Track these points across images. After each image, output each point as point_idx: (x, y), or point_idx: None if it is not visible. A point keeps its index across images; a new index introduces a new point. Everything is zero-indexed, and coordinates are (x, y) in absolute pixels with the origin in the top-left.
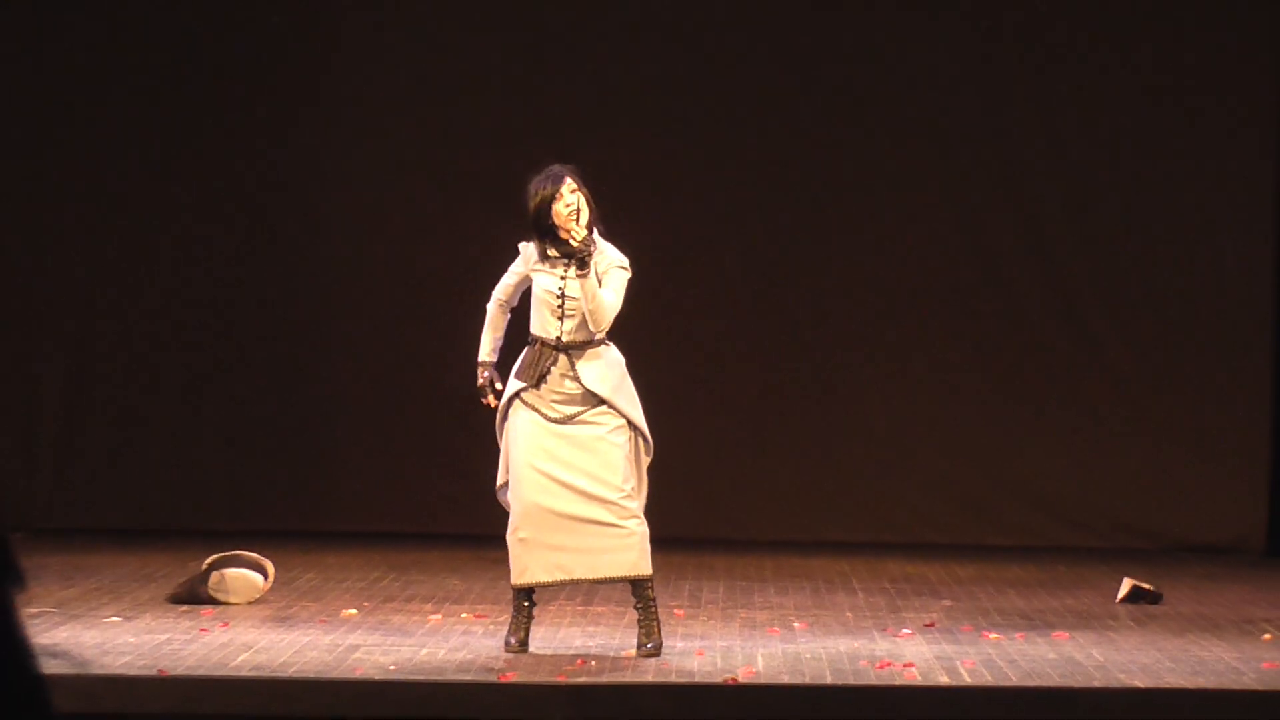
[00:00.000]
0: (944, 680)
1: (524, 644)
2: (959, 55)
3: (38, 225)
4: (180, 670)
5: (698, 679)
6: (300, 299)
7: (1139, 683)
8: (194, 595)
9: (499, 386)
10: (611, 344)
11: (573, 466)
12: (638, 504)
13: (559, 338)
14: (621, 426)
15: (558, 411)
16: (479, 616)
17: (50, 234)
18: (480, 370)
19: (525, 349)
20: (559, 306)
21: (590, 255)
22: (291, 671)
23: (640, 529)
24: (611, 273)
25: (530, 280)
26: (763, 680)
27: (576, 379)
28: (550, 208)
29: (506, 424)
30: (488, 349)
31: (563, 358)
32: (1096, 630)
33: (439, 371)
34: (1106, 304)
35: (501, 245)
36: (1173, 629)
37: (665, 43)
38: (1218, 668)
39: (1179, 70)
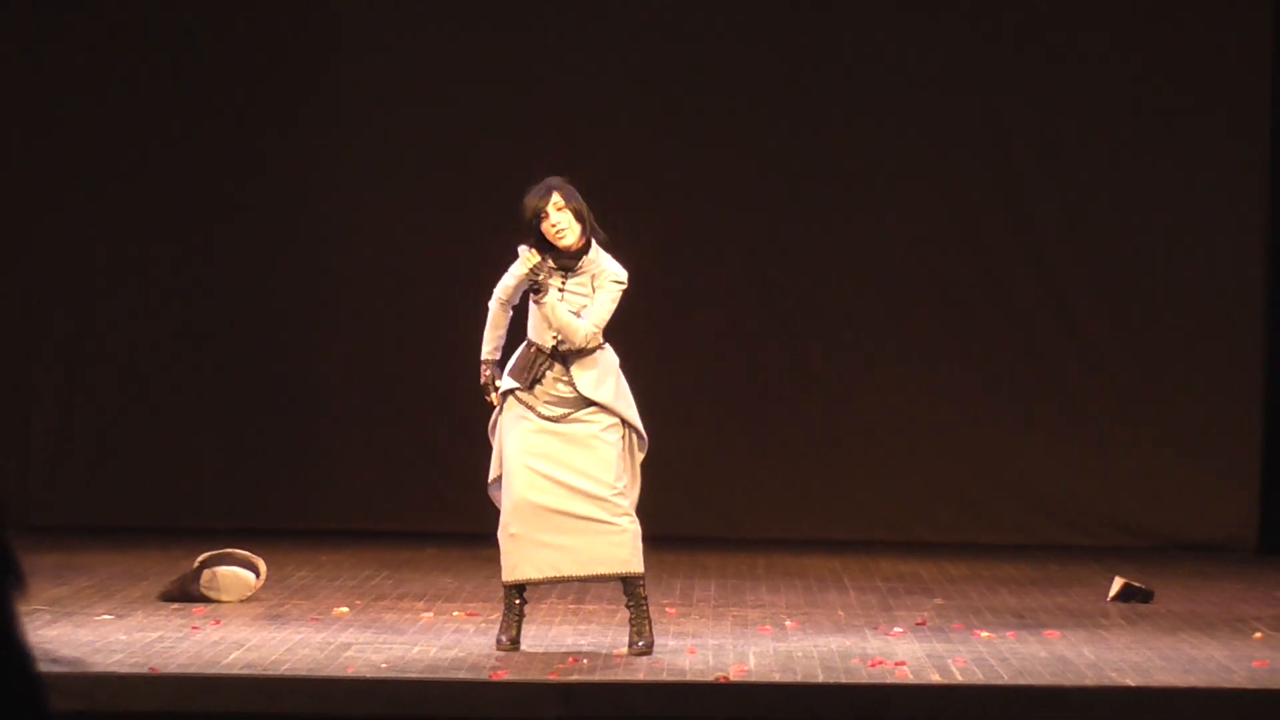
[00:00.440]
0: (935, 679)
1: (515, 642)
2: (954, 54)
3: (32, 223)
4: (172, 668)
5: (689, 677)
6: (293, 298)
7: (1130, 681)
8: (186, 593)
9: (499, 385)
10: (607, 345)
11: (565, 464)
12: (629, 501)
13: (554, 346)
14: (615, 425)
15: (551, 410)
16: (471, 615)
17: (44, 232)
18: (483, 368)
19: (520, 349)
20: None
21: (543, 283)
22: (283, 670)
23: (632, 526)
24: (605, 287)
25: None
26: (754, 679)
27: (571, 383)
28: (540, 225)
29: (499, 421)
30: (490, 347)
31: (557, 364)
32: (1088, 629)
33: (432, 370)
34: (1099, 302)
35: (496, 244)
36: (1164, 627)
37: (661, 39)
38: (1209, 666)
39: (1173, 71)
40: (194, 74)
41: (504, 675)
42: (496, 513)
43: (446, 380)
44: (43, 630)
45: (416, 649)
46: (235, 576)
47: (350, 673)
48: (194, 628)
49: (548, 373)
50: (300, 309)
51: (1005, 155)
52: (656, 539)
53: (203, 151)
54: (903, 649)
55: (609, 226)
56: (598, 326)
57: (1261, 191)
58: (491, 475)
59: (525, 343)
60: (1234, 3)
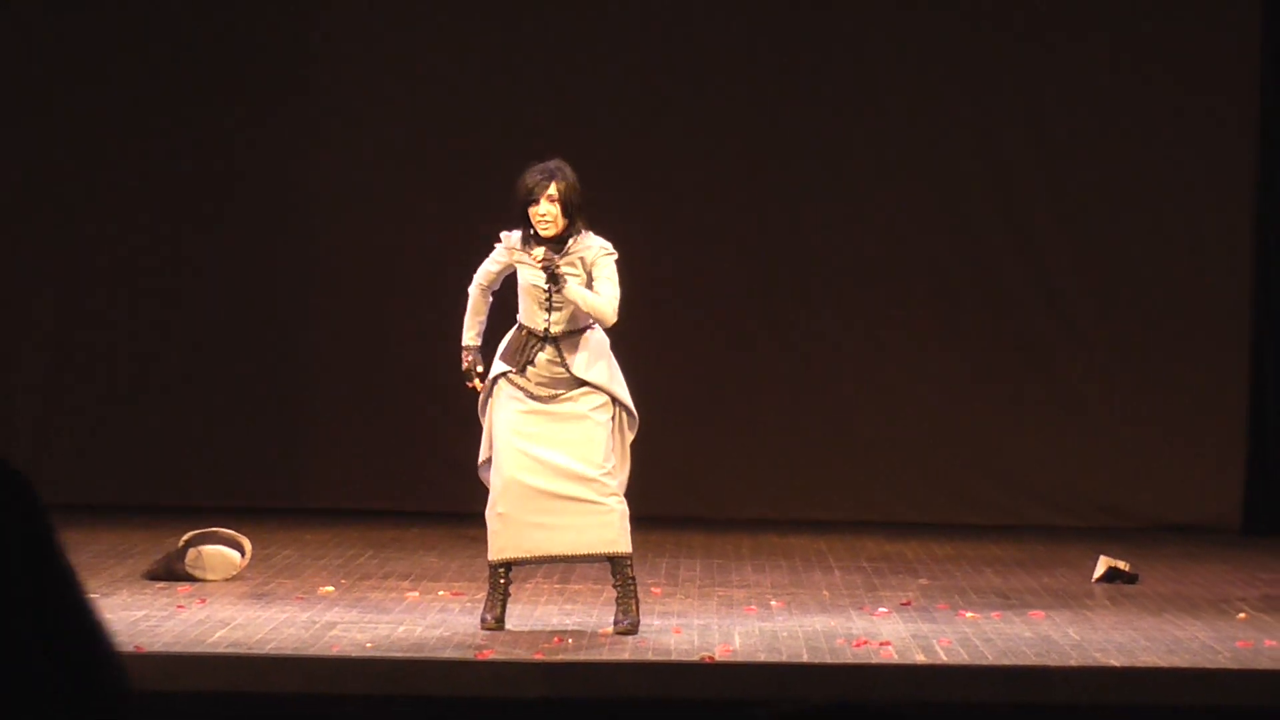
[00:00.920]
0: (920, 659)
1: (500, 621)
2: (943, 41)
3: (20, 204)
4: (157, 647)
5: (675, 657)
6: (280, 277)
7: (1115, 662)
8: (171, 572)
9: (481, 369)
10: (597, 326)
11: (554, 444)
12: (618, 482)
13: (546, 329)
14: (605, 404)
15: (542, 391)
16: (456, 594)
17: (31, 212)
18: (464, 354)
19: (511, 332)
20: (546, 299)
21: (556, 270)
22: (269, 648)
23: (620, 507)
24: (600, 263)
25: (513, 269)
26: (740, 658)
27: (563, 364)
28: (528, 208)
29: (490, 402)
30: (472, 333)
31: (549, 346)
32: (1073, 609)
33: (418, 349)
34: (1086, 285)
35: (483, 227)
36: (1149, 608)
37: (649, 28)
38: (1193, 647)
39: (1161, 58)
40: (183, 60)
41: (489, 654)
42: (482, 492)
43: (432, 360)
44: None
45: (402, 628)
46: (220, 555)
47: (335, 652)
48: (179, 606)
49: (539, 355)
50: (286, 289)
51: (994, 142)
52: (642, 519)
53: (192, 135)
54: (888, 629)
55: (596, 210)
56: (617, 299)
57: (1249, 176)
58: (481, 456)
59: (516, 326)
60: None
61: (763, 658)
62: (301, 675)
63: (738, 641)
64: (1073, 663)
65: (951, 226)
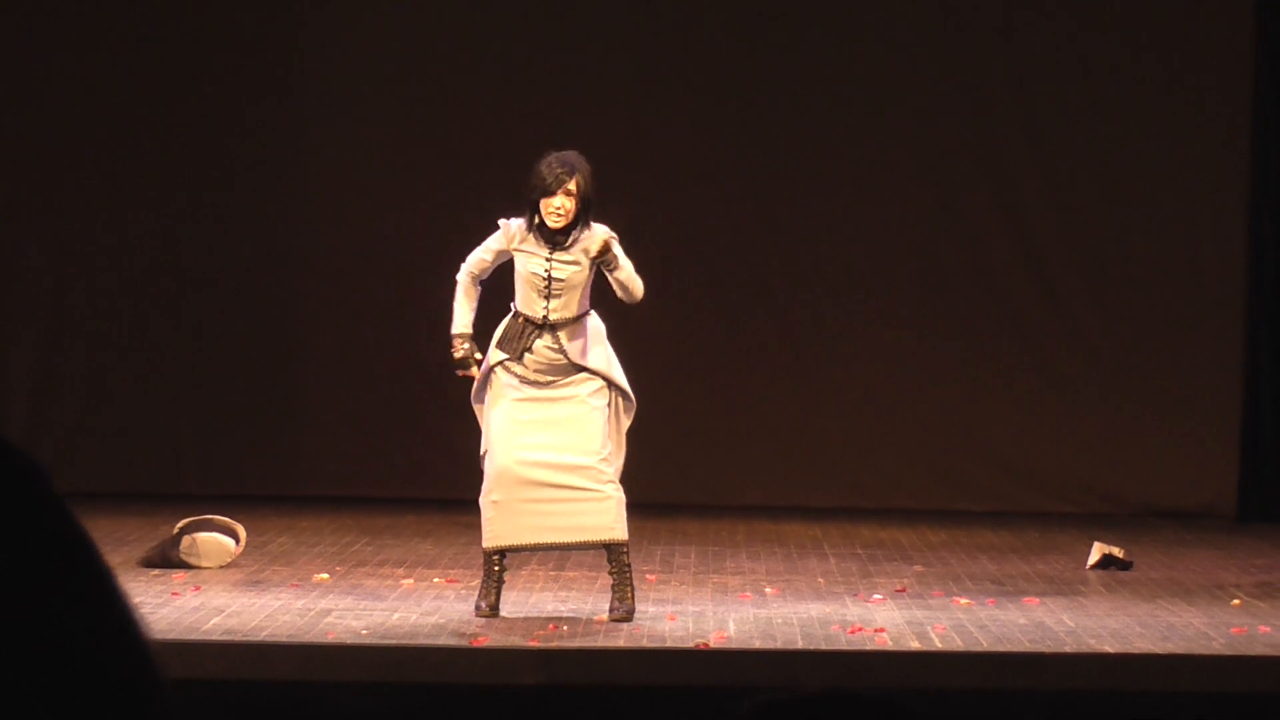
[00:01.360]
0: (915, 645)
1: (495, 608)
2: (935, 29)
3: (10, 194)
4: (151, 634)
5: (669, 644)
6: (275, 265)
7: (1109, 648)
8: (165, 559)
9: (479, 357)
10: (593, 312)
11: (551, 431)
12: (614, 469)
13: (545, 316)
14: (601, 390)
15: (540, 378)
16: (451, 581)
17: (23, 202)
18: (459, 342)
19: (507, 319)
20: (545, 287)
21: (610, 255)
22: (263, 635)
23: (616, 494)
24: (614, 247)
25: (509, 257)
26: (734, 645)
27: (561, 351)
28: (541, 196)
29: (487, 391)
30: (465, 321)
31: (547, 333)
32: (1067, 596)
33: (412, 337)
34: (1079, 271)
35: (475, 214)
36: (1143, 594)
37: (647, 21)
38: (1187, 633)
39: (1154, 44)
40: (168, 47)
41: (484, 642)
42: (476, 479)
43: (426, 347)
44: None
45: (397, 615)
46: (215, 542)
47: (330, 639)
48: (174, 594)
49: (537, 342)
50: (281, 277)
51: (986, 127)
52: (637, 506)
53: (187, 124)
54: (882, 616)
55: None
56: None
57: (1243, 163)
58: (484, 447)
59: (512, 313)
60: None
61: (757, 644)
62: (296, 662)
63: (732, 628)
64: (1067, 649)
65: (945, 214)
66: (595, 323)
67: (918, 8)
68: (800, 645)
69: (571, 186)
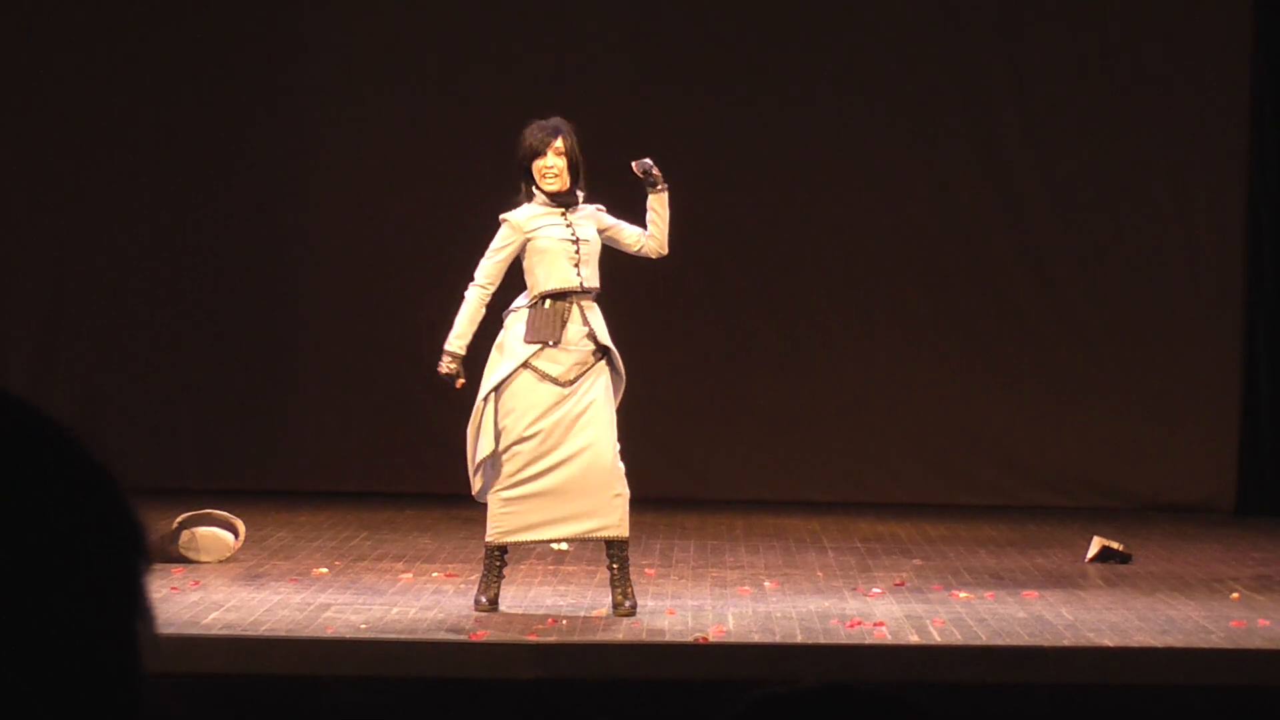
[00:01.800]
0: (914, 639)
1: (494, 603)
2: (935, 24)
3: (12, 185)
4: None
5: (668, 638)
6: (273, 260)
7: (1108, 641)
8: (164, 554)
9: (463, 381)
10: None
11: (569, 431)
12: (622, 467)
13: (581, 284)
14: (609, 381)
15: (570, 372)
16: (450, 575)
17: (21, 195)
18: (449, 360)
19: (529, 311)
20: (575, 252)
21: (658, 178)
22: (263, 630)
23: (626, 492)
24: (605, 218)
25: (521, 249)
26: (733, 639)
27: (591, 335)
28: (532, 161)
29: (507, 391)
30: (464, 342)
31: (575, 309)
32: (1066, 589)
33: (412, 332)
34: (1077, 265)
35: (475, 211)
36: (1142, 588)
37: (647, 16)
38: (1186, 626)
39: (1154, 43)
40: (179, 44)
41: (483, 636)
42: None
43: (425, 342)
44: None
45: (396, 610)
46: (214, 537)
47: (330, 633)
48: (173, 588)
49: (569, 322)
50: (280, 272)
51: (986, 124)
52: (635, 500)
53: (183, 120)
54: (881, 610)
55: (593, 194)
56: None
57: (1242, 158)
58: (484, 452)
59: (535, 302)
60: None
61: (756, 638)
62: (296, 657)
63: (731, 622)
64: (1066, 643)
65: (945, 211)
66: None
67: (919, 6)
68: (799, 639)
69: (559, 144)
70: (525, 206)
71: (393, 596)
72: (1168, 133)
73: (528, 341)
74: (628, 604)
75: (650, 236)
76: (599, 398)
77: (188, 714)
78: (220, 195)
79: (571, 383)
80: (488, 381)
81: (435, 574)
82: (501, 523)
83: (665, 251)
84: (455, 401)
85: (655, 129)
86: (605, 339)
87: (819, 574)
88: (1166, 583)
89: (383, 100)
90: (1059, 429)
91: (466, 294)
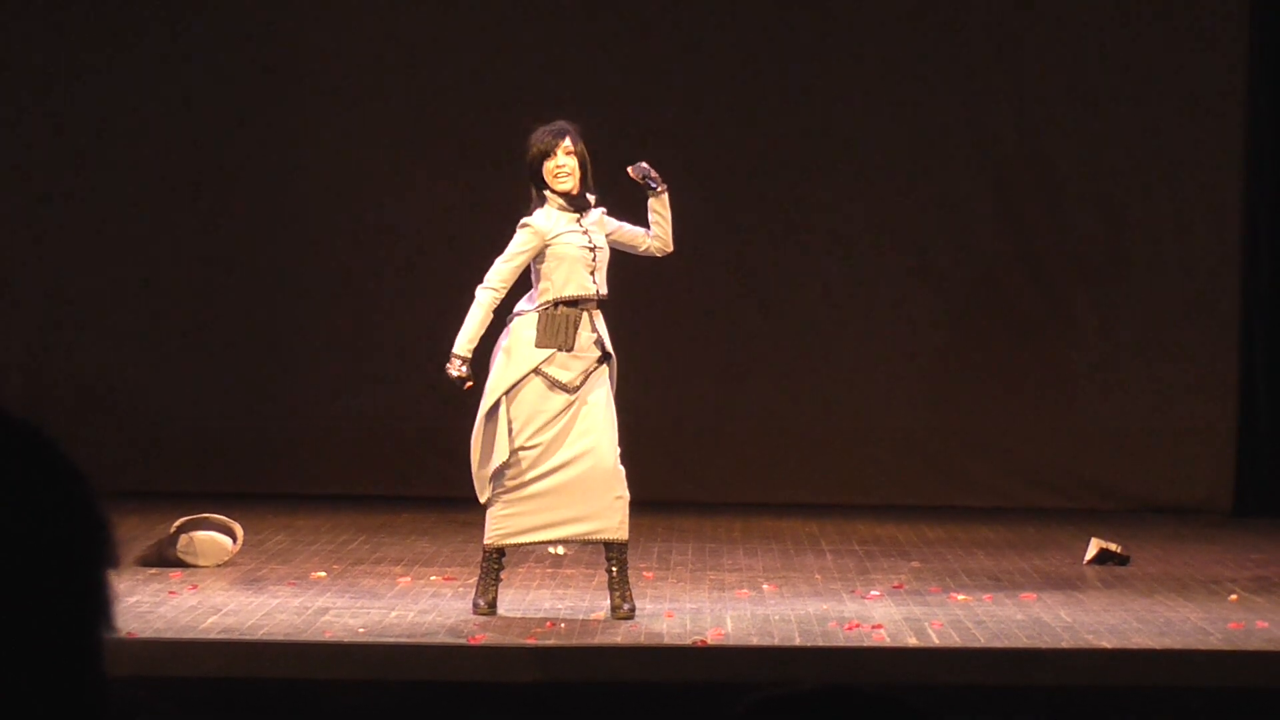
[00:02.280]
0: (912, 641)
1: (493, 606)
2: (931, 18)
3: (10, 185)
4: (148, 633)
5: (667, 641)
6: (271, 261)
7: (1106, 643)
8: (162, 558)
9: (471, 384)
10: None
11: (573, 435)
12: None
13: (597, 291)
14: (609, 384)
15: (578, 378)
16: (448, 579)
17: (19, 196)
18: (459, 363)
19: (539, 315)
20: (592, 259)
21: (657, 180)
22: (261, 634)
23: (626, 494)
24: (610, 221)
25: (540, 255)
26: (732, 642)
27: (599, 343)
28: (542, 164)
29: (516, 397)
30: (474, 344)
31: (585, 315)
32: (1064, 591)
33: (409, 334)
34: (1075, 267)
35: (478, 213)
36: (1140, 590)
37: (650, 17)
38: (1185, 628)
39: (1150, 42)
40: (185, 44)
41: (482, 639)
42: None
43: (424, 344)
44: None
45: (394, 613)
46: (212, 541)
47: (328, 637)
48: (171, 592)
49: (580, 329)
50: (278, 275)
51: (979, 117)
52: (633, 503)
53: (185, 122)
54: (880, 612)
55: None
56: None
57: (1238, 159)
58: (496, 462)
59: (544, 307)
60: None
61: (755, 641)
62: (294, 661)
63: (730, 625)
64: (1064, 644)
65: (940, 210)
66: None
67: (917, 11)
68: (798, 642)
69: (568, 143)
70: (543, 211)
71: (391, 600)
72: (1164, 135)
73: (539, 347)
74: (626, 607)
75: (654, 237)
76: (601, 401)
77: (185, 718)
78: (221, 197)
79: (578, 388)
80: (497, 387)
81: (433, 577)
82: (500, 525)
83: (670, 249)
84: (453, 404)
85: (655, 133)
86: (609, 345)
87: (817, 576)
88: (1165, 584)
89: (387, 102)
90: (1056, 430)
91: (478, 296)
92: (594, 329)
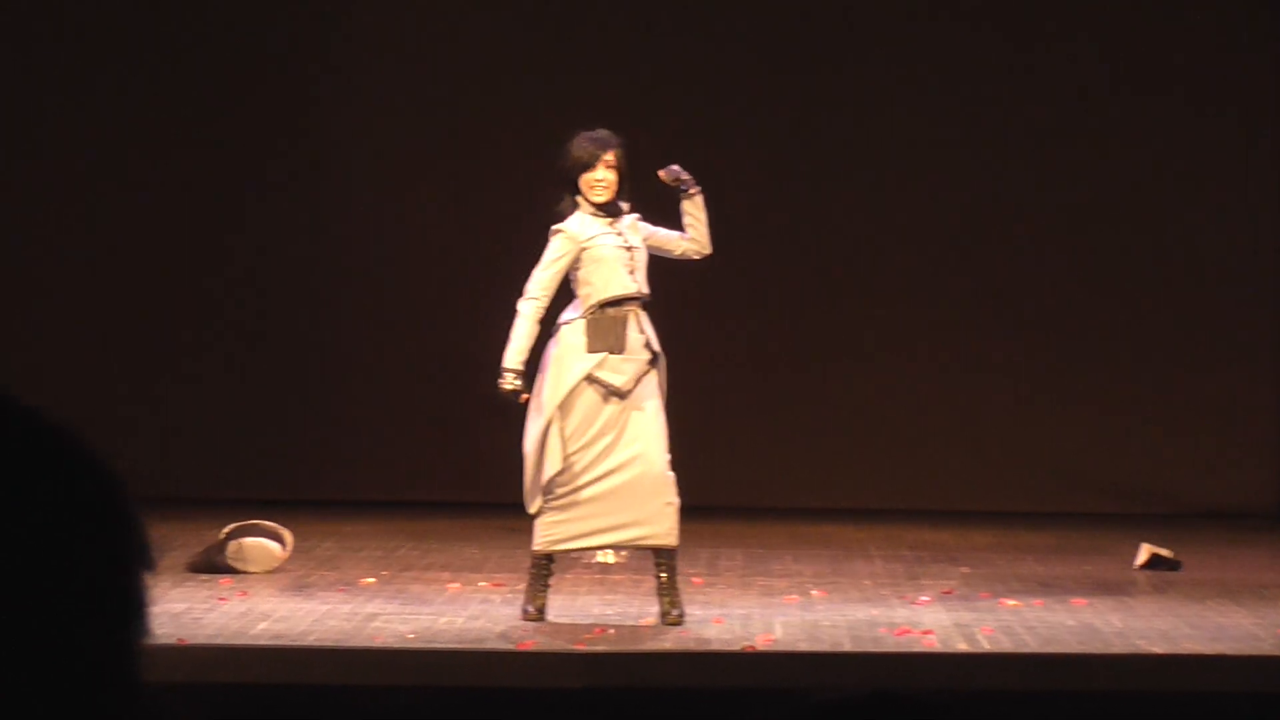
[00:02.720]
0: (962, 647)
1: (542, 612)
2: (977, 22)
3: (50, 189)
4: (199, 639)
5: (715, 647)
6: (318, 264)
7: (1157, 649)
8: (212, 564)
9: (526, 395)
10: None
11: (628, 439)
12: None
13: (639, 289)
14: (658, 386)
15: (629, 382)
16: (497, 585)
17: (59, 201)
18: (511, 376)
19: (584, 323)
20: (630, 259)
21: (689, 182)
22: (310, 640)
23: (677, 500)
24: (645, 226)
25: (575, 259)
26: (781, 648)
27: (647, 345)
28: (581, 174)
29: (568, 408)
30: (523, 358)
31: (632, 316)
32: (1115, 597)
33: (457, 338)
34: (1123, 269)
35: (519, 216)
36: (1191, 595)
37: (688, 17)
38: (1236, 634)
39: (1194, 30)
40: (219, 48)
41: (530, 645)
42: (520, 482)
43: (472, 348)
44: None
45: (443, 619)
46: (261, 547)
47: (377, 643)
48: (221, 599)
49: (630, 333)
50: (324, 278)
51: (1029, 116)
52: (683, 508)
53: (225, 127)
54: (929, 618)
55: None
56: None
57: None
58: (551, 470)
59: (590, 311)
60: None
61: (804, 647)
62: (343, 667)
63: (779, 631)
64: (1115, 650)
65: (991, 213)
66: None
67: (964, 6)
68: (847, 648)
69: (610, 158)
70: (576, 216)
71: (440, 606)
72: (1209, 136)
73: (590, 352)
74: (675, 613)
75: (690, 239)
76: (651, 407)
77: None
78: (265, 202)
79: (630, 392)
80: (550, 398)
81: (482, 583)
82: (549, 531)
83: (708, 251)
84: (501, 409)
85: (701, 137)
86: (657, 345)
87: (867, 582)
88: (1216, 589)
89: (429, 107)
90: (1107, 435)
91: (520, 308)
92: (641, 330)
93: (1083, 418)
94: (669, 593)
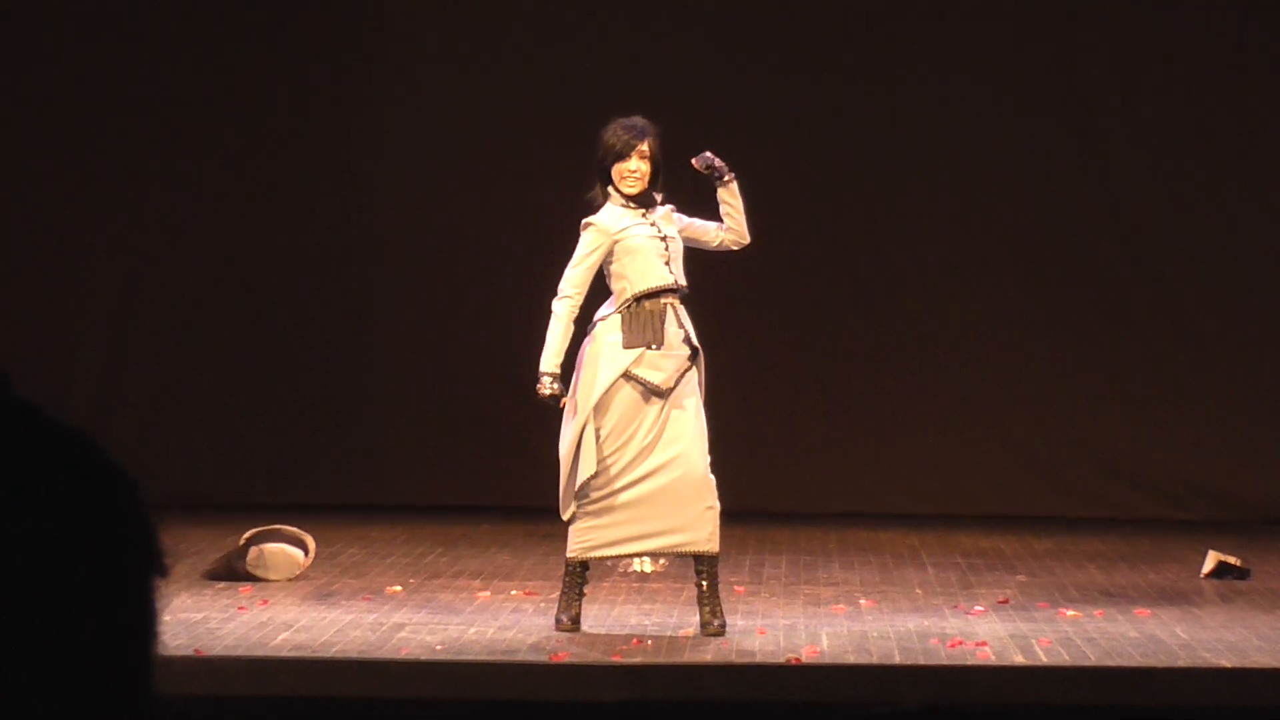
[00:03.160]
0: (1019, 660)
1: (576, 622)
2: (1037, 11)
3: (83, 188)
4: (218, 650)
5: (759, 659)
6: (348, 269)
7: (1225, 662)
8: (232, 571)
9: (565, 400)
10: None
11: (668, 442)
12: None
13: (675, 281)
14: (700, 390)
15: (671, 378)
16: (529, 594)
17: (95, 198)
18: (549, 380)
19: (620, 318)
20: (665, 250)
21: (723, 169)
22: (334, 651)
23: (717, 505)
24: (681, 218)
25: (609, 253)
26: (827, 660)
27: (686, 339)
28: (614, 163)
29: (606, 404)
30: (559, 360)
31: (670, 309)
32: (1180, 606)
33: (485, 341)
34: (1189, 267)
35: (555, 217)
36: (1261, 605)
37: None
38: None
39: (1261, 29)
40: (258, 49)
41: (565, 657)
42: (555, 485)
43: (501, 351)
44: None
45: (473, 629)
46: (283, 554)
47: (404, 654)
48: (240, 608)
49: (668, 327)
50: (356, 281)
51: (1088, 115)
52: (725, 514)
53: (263, 128)
54: (984, 628)
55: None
56: None
57: None
58: (585, 474)
59: (627, 304)
60: None
61: (852, 659)
62: (368, 679)
63: (825, 642)
64: (1181, 663)
65: (1047, 211)
66: None
67: (1022, 10)
68: (897, 660)
69: (644, 148)
70: (606, 209)
71: (470, 615)
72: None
73: (627, 348)
74: (716, 623)
75: (728, 229)
76: (691, 407)
77: None
78: (298, 206)
79: (671, 390)
80: (585, 398)
81: (514, 592)
82: (584, 537)
83: (746, 240)
84: (533, 411)
85: (750, 137)
86: (695, 340)
87: (918, 591)
88: None
89: (469, 107)
90: (1171, 437)
91: (555, 308)
92: (680, 324)
93: (1147, 419)
94: (710, 602)
